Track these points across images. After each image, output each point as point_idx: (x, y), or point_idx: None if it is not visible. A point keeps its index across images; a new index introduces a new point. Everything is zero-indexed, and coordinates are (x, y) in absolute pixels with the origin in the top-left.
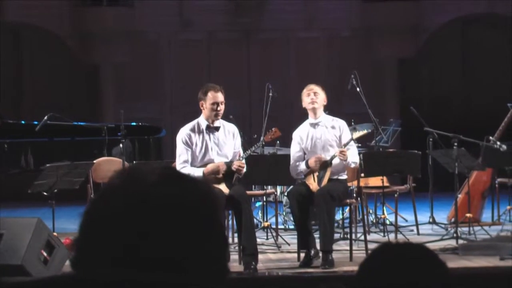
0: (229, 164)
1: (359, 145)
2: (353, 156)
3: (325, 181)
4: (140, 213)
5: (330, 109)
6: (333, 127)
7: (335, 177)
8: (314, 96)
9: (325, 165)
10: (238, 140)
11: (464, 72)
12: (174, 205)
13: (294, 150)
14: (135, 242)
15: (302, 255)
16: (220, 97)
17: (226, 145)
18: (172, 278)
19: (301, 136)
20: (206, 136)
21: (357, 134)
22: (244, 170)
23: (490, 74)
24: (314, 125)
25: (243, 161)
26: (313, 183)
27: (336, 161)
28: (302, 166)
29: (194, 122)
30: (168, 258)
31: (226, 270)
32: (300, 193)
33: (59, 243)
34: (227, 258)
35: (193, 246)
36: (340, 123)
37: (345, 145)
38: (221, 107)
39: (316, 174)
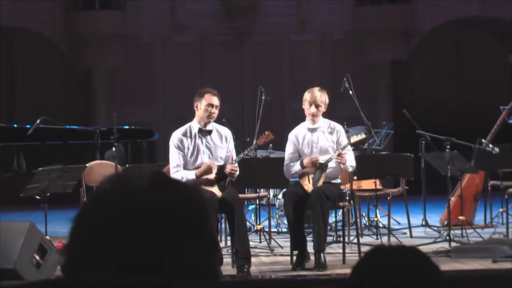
0: (221, 166)
1: (352, 148)
2: (351, 160)
3: (320, 183)
4: (130, 218)
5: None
6: (330, 133)
7: (329, 181)
8: (316, 110)
9: (320, 167)
10: (231, 143)
11: (457, 75)
12: (163, 210)
13: (289, 151)
14: (125, 247)
15: (295, 258)
16: (215, 100)
17: (219, 148)
18: (162, 282)
19: (297, 138)
20: (198, 140)
21: (354, 139)
22: (237, 173)
23: (482, 77)
24: (311, 130)
25: (236, 164)
26: (307, 185)
27: (331, 164)
28: (297, 166)
29: (186, 126)
30: (158, 263)
31: (217, 274)
32: (296, 193)
33: (52, 246)
34: (218, 262)
35: (183, 251)
36: (338, 128)
37: (342, 149)
38: (215, 111)
39: (311, 176)
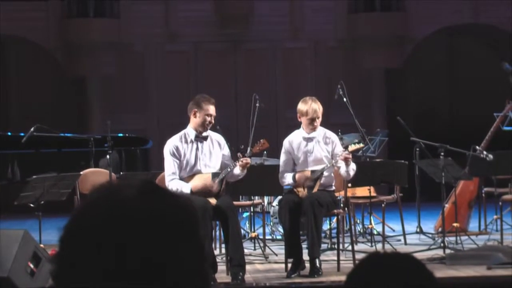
0: (217, 174)
1: None
2: (353, 164)
3: (315, 190)
4: (121, 226)
5: None
6: (326, 143)
7: (324, 188)
8: (316, 123)
9: (315, 175)
10: (225, 149)
11: (450, 82)
12: (154, 217)
13: (284, 158)
14: (116, 255)
15: (290, 265)
16: (214, 110)
17: (214, 155)
18: None
19: (292, 146)
20: (195, 146)
21: (351, 148)
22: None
23: (476, 84)
24: (307, 139)
25: (248, 158)
26: (302, 191)
27: (326, 173)
28: (289, 179)
29: (181, 133)
30: (148, 271)
31: (206, 283)
32: (292, 200)
33: (46, 255)
34: (208, 270)
35: (176, 258)
36: (333, 139)
37: (349, 151)
38: (213, 120)
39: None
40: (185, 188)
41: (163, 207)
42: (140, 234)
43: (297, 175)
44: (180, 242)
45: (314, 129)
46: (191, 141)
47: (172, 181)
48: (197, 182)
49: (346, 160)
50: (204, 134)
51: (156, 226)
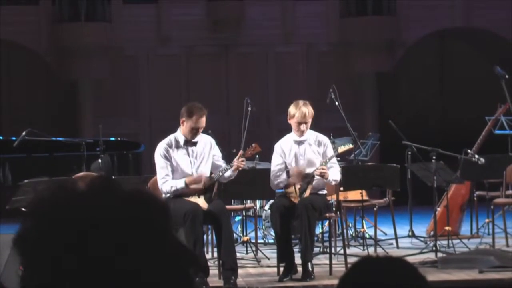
0: (209, 178)
1: (338, 158)
2: (335, 174)
3: (306, 194)
4: (63, 229)
5: None
6: (317, 145)
7: (316, 192)
8: (304, 128)
9: (307, 178)
10: (215, 149)
11: (442, 86)
12: (99, 217)
13: (275, 162)
14: (62, 257)
15: (282, 269)
16: (203, 122)
17: (204, 159)
18: None
19: (283, 149)
20: (184, 151)
21: (341, 149)
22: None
23: (467, 88)
24: (298, 142)
25: (244, 159)
26: (294, 196)
27: (317, 177)
28: (283, 176)
29: (171, 137)
30: (95, 271)
31: (189, 282)
32: (283, 205)
33: None
34: (187, 269)
35: (150, 262)
36: (325, 141)
37: (329, 159)
38: (200, 131)
39: (298, 187)
40: (179, 183)
41: (111, 204)
42: (85, 234)
43: (291, 170)
44: (136, 240)
45: (301, 133)
46: (181, 146)
47: (165, 183)
48: (190, 176)
49: (321, 175)
50: (194, 140)
51: (104, 224)
